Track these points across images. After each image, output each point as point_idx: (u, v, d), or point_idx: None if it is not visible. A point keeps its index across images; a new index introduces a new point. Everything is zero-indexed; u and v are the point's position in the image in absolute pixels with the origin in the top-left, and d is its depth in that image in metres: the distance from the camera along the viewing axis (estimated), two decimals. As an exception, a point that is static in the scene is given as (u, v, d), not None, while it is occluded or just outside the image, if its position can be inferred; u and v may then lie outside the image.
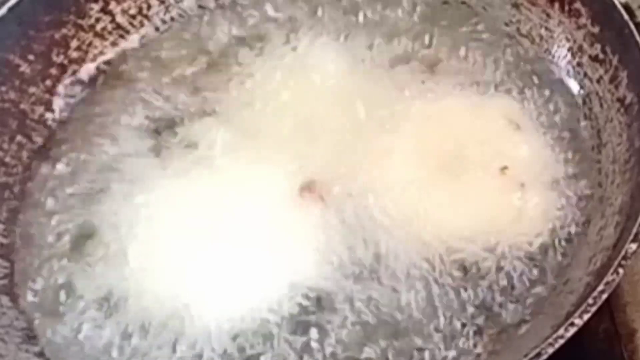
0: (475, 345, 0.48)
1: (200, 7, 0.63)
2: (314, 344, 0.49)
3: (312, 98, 0.57)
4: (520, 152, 0.54)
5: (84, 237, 0.54)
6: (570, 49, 0.57)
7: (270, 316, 0.50)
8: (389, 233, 0.52)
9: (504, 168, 0.53)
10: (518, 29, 0.59)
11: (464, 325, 0.49)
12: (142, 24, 0.62)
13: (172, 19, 0.63)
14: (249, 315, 0.50)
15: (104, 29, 0.61)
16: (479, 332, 0.49)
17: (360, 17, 0.61)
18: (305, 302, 0.50)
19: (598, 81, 0.55)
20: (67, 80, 0.60)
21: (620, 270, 0.45)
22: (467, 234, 0.51)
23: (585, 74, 0.56)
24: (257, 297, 0.50)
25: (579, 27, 0.57)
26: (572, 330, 0.43)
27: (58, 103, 0.59)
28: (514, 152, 0.54)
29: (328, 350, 0.49)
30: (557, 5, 0.58)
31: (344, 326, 0.49)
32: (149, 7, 0.62)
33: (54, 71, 0.59)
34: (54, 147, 0.58)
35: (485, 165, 0.54)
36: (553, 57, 0.58)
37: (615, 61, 0.54)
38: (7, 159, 0.56)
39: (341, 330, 0.49)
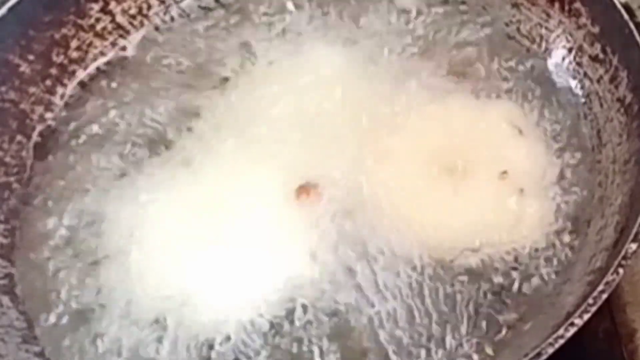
0: (475, 346, 0.48)
1: (200, 7, 0.63)
2: (307, 343, 0.49)
3: (311, 99, 0.57)
4: (521, 156, 0.54)
5: (84, 237, 0.54)
6: (570, 49, 0.57)
7: (264, 314, 0.50)
8: (386, 235, 0.52)
9: (504, 173, 0.53)
10: (518, 29, 0.59)
11: (464, 326, 0.49)
12: (142, 24, 0.62)
13: (172, 18, 0.63)
14: (243, 313, 0.50)
15: (104, 29, 0.61)
16: (479, 333, 0.49)
17: (361, 20, 0.61)
18: (300, 303, 0.50)
19: (598, 81, 0.55)
20: (67, 80, 0.60)
21: (620, 270, 0.45)
22: (465, 237, 0.51)
23: (585, 74, 0.56)
24: (251, 297, 0.50)
25: (579, 27, 0.57)
26: (572, 330, 0.43)
27: (58, 103, 0.59)
28: (514, 157, 0.54)
29: (323, 350, 0.49)
30: (557, 5, 0.58)
31: (338, 326, 0.49)
32: (149, 7, 0.62)
33: (54, 71, 0.59)
34: (54, 147, 0.58)
35: (485, 169, 0.53)
36: (553, 57, 0.58)
37: (615, 61, 0.54)
38: (7, 159, 0.56)
39: (336, 330, 0.49)
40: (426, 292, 0.50)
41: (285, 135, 0.56)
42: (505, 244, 0.51)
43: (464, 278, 0.50)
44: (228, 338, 0.49)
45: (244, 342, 0.49)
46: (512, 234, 0.51)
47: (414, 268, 0.50)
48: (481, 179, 0.53)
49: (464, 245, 0.51)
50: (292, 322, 0.50)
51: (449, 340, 0.49)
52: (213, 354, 0.49)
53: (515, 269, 0.50)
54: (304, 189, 0.53)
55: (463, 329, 0.49)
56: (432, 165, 0.54)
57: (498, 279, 0.50)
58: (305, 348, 0.49)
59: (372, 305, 0.50)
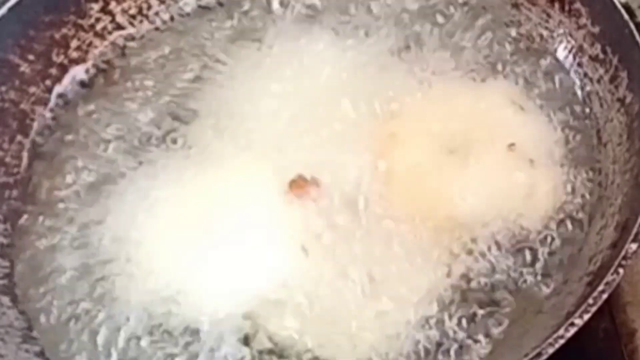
0: (475, 346, 0.48)
1: (200, 6, 0.63)
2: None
3: (309, 93, 0.57)
4: (526, 130, 0.54)
5: (84, 236, 0.54)
6: (570, 49, 0.57)
7: (255, 307, 0.50)
8: (391, 217, 0.52)
9: (511, 145, 0.53)
10: (518, 29, 0.59)
11: (464, 323, 0.49)
12: (142, 24, 0.62)
13: (172, 18, 0.63)
14: (234, 306, 0.50)
15: (104, 29, 0.61)
16: (479, 332, 0.49)
17: (359, 16, 0.61)
18: (296, 298, 0.50)
19: (598, 81, 0.55)
20: (67, 80, 0.60)
21: (620, 270, 0.45)
22: (479, 214, 0.51)
23: (585, 74, 0.56)
24: (241, 290, 0.50)
25: (579, 27, 0.57)
26: (572, 330, 0.43)
27: (58, 103, 0.59)
28: (520, 130, 0.54)
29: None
30: (557, 5, 0.58)
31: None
32: (149, 6, 0.62)
33: (54, 71, 0.59)
34: (54, 146, 0.58)
35: (492, 143, 0.53)
36: (553, 57, 0.58)
37: (615, 61, 0.54)
38: (7, 159, 0.56)
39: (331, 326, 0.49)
40: (425, 282, 0.50)
41: (281, 128, 0.56)
42: (519, 216, 0.51)
43: (471, 268, 0.50)
44: (218, 332, 0.49)
45: (232, 337, 0.49)
46: (526, 204, 0.52)
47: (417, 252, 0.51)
48: (490, 153, 0.53)
49: (479, 226, 0.51)
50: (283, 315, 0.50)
51: (447, 336, 0.49)
52: (208, 349, 0.49)
53: (517, 263, 0.51)
54: (297, 182, 0.53)
55: (462, 326, 0.49)
56: (437, 145, 0.54)
57: (502, 273, 0.50)
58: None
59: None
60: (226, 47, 0.61)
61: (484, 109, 0.56)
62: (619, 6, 0.53)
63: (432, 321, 0.49)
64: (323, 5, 0.62)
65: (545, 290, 0.50)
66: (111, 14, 0.61)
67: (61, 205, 0.55)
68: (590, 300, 0.44)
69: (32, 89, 0.58)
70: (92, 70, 0.61)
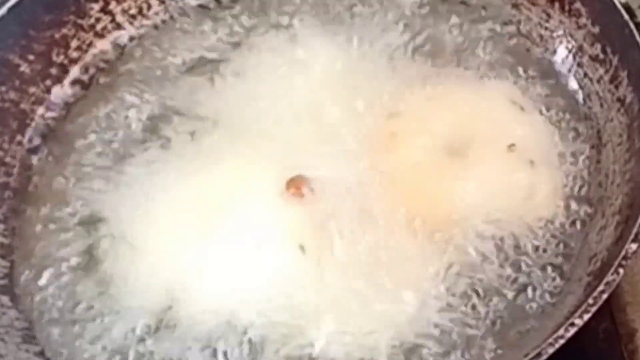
0: (475, 346, 0.48)
1: (200, 6, 0.63)
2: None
3: (307, 92, 0.57)
4: (526, 130, 0.54)
5: (83, 236, 0.54)
6: (570, 49, 0.57)
7: (252, 307, 0.50)
8: (390, 217, 0.52)
9: (512, 145, 0.53)
10: (518, 29, 0.59)
11: (463, 323, 0.49)
12: (142, 24, 0.62)
13: (171, 18, 0.63)
14: (232, 306, 0.50)
15: (104, 29, 0.61)
16: (478, 332, 0.49)
17: (357, 15, 0.61)
18: (295, 297, 0.50)
19: (598, 81, 0.55)
20: (67, 80, 0.60)
21: (620, 270, 0.45)
22: (479, 215, 0.51)
23: (585, 74, 0.56)
24: (240, 290, 0.50)
25: (579, 27, 0.57)
26: (572, 330, 0.43)
27: (58, 103, 0.59)
28: (520, 131, 0.54)
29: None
30: (557, 5, 0.58)
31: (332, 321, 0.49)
32: (149, 7, 0.62)
33: (54, 71, 0.59)
34: (54, 146, 0.58)
35: (492, 143, 0.54)
36: (553, 57, 0.58)
37: (615, 61, 0.54)
38: (7, 159, 0.56)
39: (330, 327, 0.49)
40: (428, 285, 0.50)
41: (279, 128, 0.56)
42: (517, 225, 0.51)
43: (471, 269, 0.50)
44: (213, 332, 0.49)
45: (226, 336, 0.49)
46: (526, 204, 0.52)
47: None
48: (490, 153, 0.53)
49: (478, 226, 0.51)
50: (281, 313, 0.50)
51: (446, 337, 0.49)
52: (207, 350, 0.49)
53: (517, 264, 0.51)
54: (295, 181, 0.53)
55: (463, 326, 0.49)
56: (437, 145, 0.54)
57: (502, 274, 0.50)
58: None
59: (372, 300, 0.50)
60: (225, 47, 0.61)
61: (484, 109, 0.56)
62: (619, 6, 0.53)
63: (432, 321, 0.49)
64: (322, 5, 0.62)
65: (546, 290, 0.50)
66: (111, 14, 0.61)
67: (61, 205, 0.55)
68: (590, 300, 0.44)
69: (32, 89, 0.59)
70: (92, 70, 0.61)
